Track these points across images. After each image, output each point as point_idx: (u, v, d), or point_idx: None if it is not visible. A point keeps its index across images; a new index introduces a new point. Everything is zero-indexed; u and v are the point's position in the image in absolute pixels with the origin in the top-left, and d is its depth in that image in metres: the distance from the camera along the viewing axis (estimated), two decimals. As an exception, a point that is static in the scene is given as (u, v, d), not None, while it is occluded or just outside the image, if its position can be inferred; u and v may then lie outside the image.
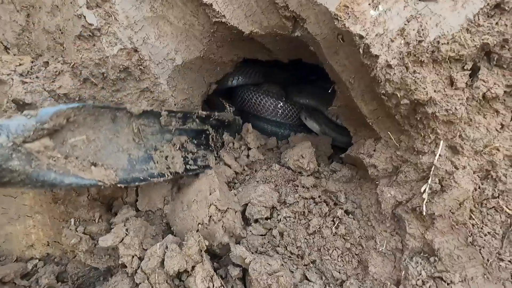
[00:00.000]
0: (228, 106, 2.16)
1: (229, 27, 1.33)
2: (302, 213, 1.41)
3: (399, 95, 1.07)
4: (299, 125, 2.06)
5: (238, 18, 1.30)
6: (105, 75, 1.34)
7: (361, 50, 1.07)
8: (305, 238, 1.39)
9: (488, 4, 0.95)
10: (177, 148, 1.36)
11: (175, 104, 1.54)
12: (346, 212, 1.41)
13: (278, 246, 1.36)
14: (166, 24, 1.39)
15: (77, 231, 1.23)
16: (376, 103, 1.20)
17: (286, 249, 1.32)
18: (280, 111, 1.97)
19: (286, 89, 2.17)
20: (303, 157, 1.56)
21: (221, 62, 1.60)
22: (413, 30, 1.01)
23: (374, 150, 1.30)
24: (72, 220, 1.26)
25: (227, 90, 2.17)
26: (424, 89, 1.02)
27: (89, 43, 1.30)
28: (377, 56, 1.04)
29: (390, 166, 1.25)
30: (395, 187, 1.21)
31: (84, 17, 1.24)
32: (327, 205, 1.46)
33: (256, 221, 1.41)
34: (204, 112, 1.52)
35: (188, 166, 1.38)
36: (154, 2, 1.33)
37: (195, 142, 1.50)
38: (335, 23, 1.07)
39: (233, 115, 2.13)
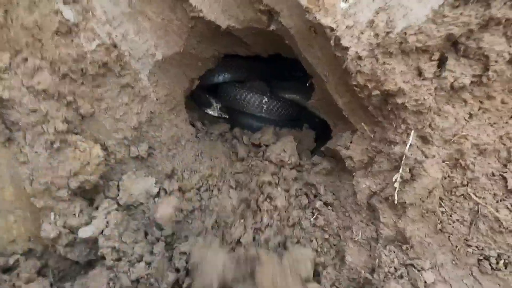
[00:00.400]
0: (214, 103, 2.18)
1: (207, 22, 1.34)
2: (283, 206, 1.43)
3: (370, 86, 1.09)
4: (285, 120, 2.08)
5: (215, 13, 1.31)
6: (84, 70, 1.34)
7: (332, 43, 1.09)
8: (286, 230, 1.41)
9: (452, -5, 0.97)
10: None
11: (156, 99, 1.56)
12: (325, 203, 1.43)
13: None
14: (145, 20, 1.40)
15: (56, 225, 1.24)
16: (350, 95, 1.22)
17: (267, 243, 1.34)
18: (264, 106, 1.98)
19: (270, 84, 2.19)
20: (285, 151, 1.58)
21: (202, 58, 1.62)
22: (382, 21, 1.03)
23: (351, 142, 1.32)
24: (52, 213, 1.27)
25: (214, 86, 2.18)
26: (394, 80, 1.04)
27: (67, 39, 1.30)
28: (347, 48, 1.06)
29: (365, 158, 1.27)
30: (369, 177, 1.23)
31: (61, 12, 1.25)
32: (307, 197, 1.48)
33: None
34: None
35: None
36: (132, -2, 1.34)
37: None
38: (307, 16, 1.09)
39: (220, 111, 2.15)
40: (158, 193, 1.55)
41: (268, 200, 1.47)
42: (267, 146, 1.72)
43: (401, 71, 1.04)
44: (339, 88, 1.23)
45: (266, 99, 1.98)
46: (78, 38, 1.31)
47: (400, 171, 1.10)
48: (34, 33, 1.34)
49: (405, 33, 1.01)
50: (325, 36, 1.10)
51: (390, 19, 1.02)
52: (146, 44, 1.43)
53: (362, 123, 1.24)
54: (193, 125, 1.93)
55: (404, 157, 1.09)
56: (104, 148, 1.49)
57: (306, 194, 1.49)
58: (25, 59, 1.34)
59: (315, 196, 1.47)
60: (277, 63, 2.35)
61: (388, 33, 1.02)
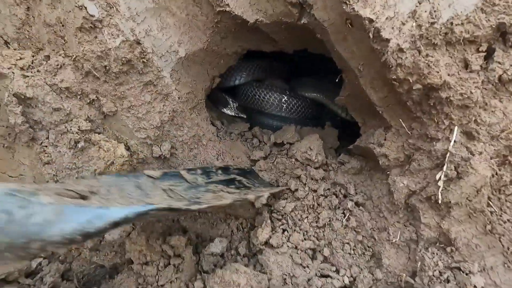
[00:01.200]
0: (231, 102, 2.13)
1: (233, 17, 1.30)
2: (311, 206, 1.38)
3: (411, 80, 1.03)
4: (305, 118, 2.03)
5: (243, 7, 1.27)
6: (107, 68, 1.31)
7: (371, 35, 1.04)
8: (315, 232, 1.35)
9: (503, -18, 0.91)
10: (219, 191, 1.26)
11: (178, 98, 1.51)
12: (357, 204, 1.37)
13: (288, 241, 1.33)
14: (168, 15, 1.36)
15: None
16: (387, 90, 1.17)
17: (297, 244, 1.29)
18: (284, 105, 1.93)
19: (289, 82, 2.14)
20: (311, 149, 1.53)
21: (224, 54, 1.57)
22: (425, 12, 0.98)
23: (385, 139, 1.27)
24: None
25: (231, 87, 2.14)
26: (438, 72, 0.98)
27: (91, 35, 1.27)
28: (388, 40, 1.01)
29: (402, 155, 1.22)
30: (408, 176, 1.18)
31: (85, 8, 1.21)
32: (336, 197, 1.43)
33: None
34: (220, 164, 1.47)
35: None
36: (156, -7, 1.30)
37: (232, 187, 1.35)
38: (344, 8, 1.04)
39: (237, 110, 2.09)
40: (181, 193, 1.50)
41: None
42: (291, 144, 1.68)
43: (446, 63, 0.99)
44: (375, 83, 1.18)
45: (286, 98, 1.94)
46: (102, 35, 1.27)
47: (444, 169, 1.04)
48: (57, 30, 1.31)
49: (451, 23, 0.95)
50: (363, 28, 1.05)
51: (434, 9, 0.97)
52: (170, 41, 1.39)
53: (400, 119, 1.19)
54: (213, 124, 1.89)
55: (448, 154, 1.04)
56: (127, 147, 1.45)
57: (335, 194, 1.44)
58: (48, 57, 1.31)
59: (345, 196, 1.41)
60: (295, 62, 2.30)
61: (432, 23, 0.97)
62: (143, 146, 1.47)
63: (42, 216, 0.64)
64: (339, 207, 1.39)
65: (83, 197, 0.78)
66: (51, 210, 0.66)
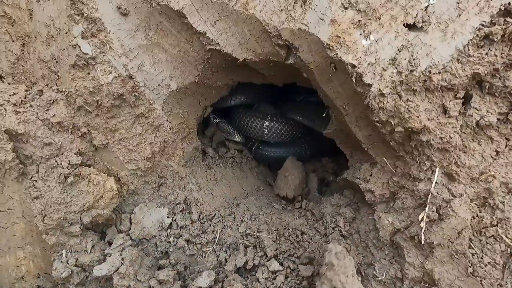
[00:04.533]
0: (233, 130, 2.10)
1: (223, 54, 1.34)
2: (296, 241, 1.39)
3: (393, 123, 1.07)
4: (291, 141, 2.03)
5: (232, 46, 1.31)
6: (99, 102, 1.34)
7: (353, 79, 1.08)
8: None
9: (477, 35, 0.96)
10: None
11: (170, 129, 1.54)
12: (344, 237, 1.39)
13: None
14: (161, 51, 1.40)
15: (68, 263, 1.20)
16: (371, 129, 1.20)
17: (286, 279, 1.29)
18: (266, 130, 1.94)
19: (280, 107, 2.17)
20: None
21: (216, 87, 1.61)
22: (405, 59, 1.02)
23: (371, 175, 1.29)
24: (64, 251, 1.23)
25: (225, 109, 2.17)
26: (418, 117, 1.02)
27: (84, 72, 1.30)
28: (369, 85, 1.05)
29: (387, 192, 1.24)
30: (392, 213, 1.20)
31: (79, 46, 1.25)
32: (325, 229, 1.44)
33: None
34: None
35: None
36: (149, 31, 1.34)
37: None
38: (328, 53, 1.08)
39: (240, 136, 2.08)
40: (171, 224, 1.51)
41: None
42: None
43: (426, 108, 1.03)
44: (360, 122, 1.21)
45: (267, 123, 1.94)
46: (94, 71, 1.30)
47: (426, 210, 1.06)
48: (50, 65, 1.34)
49: (430, 72, 1.00)
50: (346, 72, 1.09)
51: (413, 57, 1.02)
52: (161, 75, 1.43)
53: (384, 157, 1.22)
54: (205, 152, 1.91)
55: (430, 195, 1.06)
56: (117, 179, 1.46)
57: (325, 226, 1.45)
58: (41, 91, 1.34)
59: (334, 228, 1.43)
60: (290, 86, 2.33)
61: (411, 71, 1.01)
62: (134, 178, 1.48)
63: None
64: (326, 241, 1.40)
65: None
66: None
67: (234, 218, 1.62)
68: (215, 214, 1.61)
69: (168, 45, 1.39)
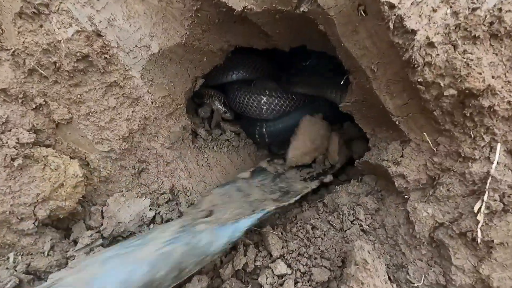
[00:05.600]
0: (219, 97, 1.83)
1: (216, 3, 1.05)
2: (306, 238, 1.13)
3: (442, 84, 0.80)
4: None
5: (228, -9, 1.02)
6: (57, 65, 1.05)
7: (391, 25, 0.80)
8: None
9: None
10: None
11: (152, 102, 1.26)
12: (365, 232, 1.14)
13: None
14: (137, 2, 1.11)
15: (16, 270, 0.93)
16: (407, 95, 0.93)
17: (295, 284, 1.04)
18: (264, 107, 1.65)
19: (283, 78, 1.89)
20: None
21: (208, 51, 1.32)
22: (464, -6, 0.75)
23: (402, 156, 1.03)
24: (11, 255, 0.95)
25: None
26: (480, 74, 0.75)
27: (35, 23, 1.00)
28: (413, 32, 0.78)
29: (424, 177, 0.99)
30: (433, 203, 0.94)
31: (25, -13, 0.95)
32: (341, 222, 1.19)
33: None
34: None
35: None
36: (120, -28, 1.04)
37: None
38: (357, -11, 0.80)
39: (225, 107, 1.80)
40: (154, 218, 1.24)
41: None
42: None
43: (491, 62, 0.76)
44: (393, 87, 0.95)
45: (265, 99, 1.65)
46: (49, 23, 1.01)
47: (485, 198, 0.81)
48: (-9, 16, 1.03)
49: (500, 10, 0.73)
50: (381, 17, 0.82)
51: (476, -9, 0.74)
52: (139, 33, 1.13)
53: (423, 132, 0.95)
54: (196, 133, 1.64)
55: (489, 179, 0.81)
56: (86, 163, 1.18)
57: (340, 219, 1.20)
58: (-20, 50, 1.04)
59: (352, 222, 1.17)
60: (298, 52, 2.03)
61: (473, 10, 0.74)
62: (106, 162, 1.20)
63: (205, 239, 0.94)
64: (344, 236, 1.15)
65: (210, 213, 1.09)
66: (208, 233, 0.95)
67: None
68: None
69: (146, -8, 1.09)
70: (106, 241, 1.10)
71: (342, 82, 1.14)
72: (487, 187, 0.81)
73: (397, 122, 1.01)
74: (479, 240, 0.81)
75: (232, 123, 1.84)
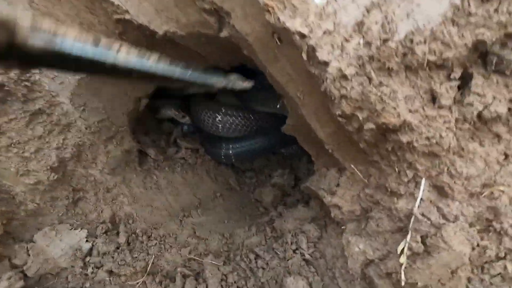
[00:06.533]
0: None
1: (138, 27, 0.98)
2: (248, 268, 1.08)
3: (361, 118, 0.75)
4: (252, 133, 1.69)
5: (148, 15, 0.96)
6: (-32, 96, 0.97)
7: (304, 55, 0.75)
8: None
9: (482, -18, 0.63)
10: None
11: (86, 128, 1.19)
12: (307, 262, 1.09)
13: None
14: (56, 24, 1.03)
15: None
16: (335, 125, 0.88)
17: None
18: (220, 125, 1.60)
19: (241, 97, 1.83)
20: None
21: (145, 72, 1.25)
22: (376, 23, 0.69)
23: (338, 185, 0.98)
24: None
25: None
26: (395, 109, 0.70)
27: None
28: (326, 63, 0.72)
29: (357, 208, 0.94)
30: (364, 238, 0.89)
31: None
32: (284, 251, 1.14)
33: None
34: None
35: None
36: (33, -5, 0.97)
37: None
38: (267, 17, 0.74)
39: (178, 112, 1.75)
40: (90, 250, 1.18)
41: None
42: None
43: (406, 96, 0.71)
44: (320, 115, 0.89)
45: (219, 117, 1.59)
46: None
47: (408, 238, 0.76)
48: None
49: (411, 41, 0.67)
50: (294, 46, 0.76)
51: (388, 20, 0.69)
52: (63, 57, 1.06)
53: (352, 164, 0.90)
54: (146, 153, 1.57)
55: (413, 218, 0.76)
56: (11, 197, 1.12)
57: (284, 248, 1.15)
58: None
59: (294, 251, 1.12)
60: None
61: (385, 40, 0.69)
62: (34, 194, 1.13)
63: None
64: (285, 266, 1.10)
65: None
66: None
67: (176, 237, 1.31)
68: (151, 234, 1.29)
69: (64, 15, 1.02)
70: (30, 282, 1.04)
71: (278, 106, 1.08)
72: (410, 226, 0.76)
73: (330, 150, 0.95)
74: (403, 283, 0.76)
75: (190, 139, 1.78)
